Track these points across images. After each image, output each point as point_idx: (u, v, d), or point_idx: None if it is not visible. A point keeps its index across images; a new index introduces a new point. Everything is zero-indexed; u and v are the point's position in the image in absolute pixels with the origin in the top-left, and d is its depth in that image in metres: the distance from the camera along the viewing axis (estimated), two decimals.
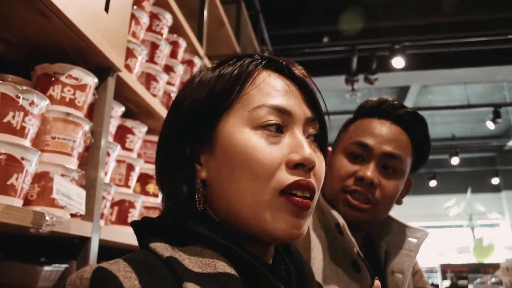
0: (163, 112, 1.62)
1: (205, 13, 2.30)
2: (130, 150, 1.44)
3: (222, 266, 0.53)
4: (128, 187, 1.40)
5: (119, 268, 0.50)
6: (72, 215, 1.00)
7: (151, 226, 0.60)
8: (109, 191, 1.23)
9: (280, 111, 0.59)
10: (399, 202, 1.12)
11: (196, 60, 2.06)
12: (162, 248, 0.54)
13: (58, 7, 0.93)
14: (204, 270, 0.52)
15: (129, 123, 1.44)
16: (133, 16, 1.39)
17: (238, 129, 0.58)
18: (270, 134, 0.58)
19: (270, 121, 0.58)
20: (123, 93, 1.37)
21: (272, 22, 4.97)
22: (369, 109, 1.11)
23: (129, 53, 1.38)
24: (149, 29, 1.60)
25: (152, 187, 1.57)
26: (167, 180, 0.63)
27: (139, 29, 1.45)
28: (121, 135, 1.41)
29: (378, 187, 1.03)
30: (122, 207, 1.35)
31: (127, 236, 1.30)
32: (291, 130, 0.60)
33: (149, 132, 1.57)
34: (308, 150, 0.57)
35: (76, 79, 1.08)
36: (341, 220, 1.01)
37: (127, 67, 1.36)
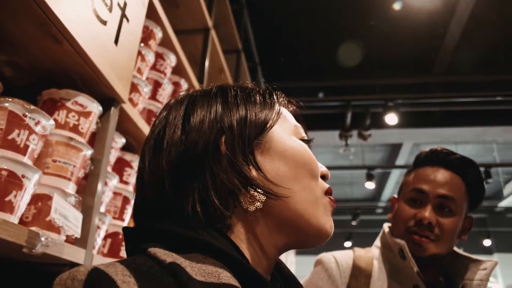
0: None
1: (207, 58, 2.37)
2: (127, 183, 1.44)
3: (227, 278, 0.51)
4: (123, 220, 1.39)
5: (117, 271, 0.46)
6: (66, 241, 0.99)
7: (149, 231, 0.58)
8: (104, 220, 1.22)
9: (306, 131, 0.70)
10: (462, 238, 1.25)
11: None
12: (163, 254, 0.52)
13: (71, 33, 0.97)
14: (207, 279, 0.50)
15: (128, 156, 1.45)
16: (139, 53, 1.44)
17: (288, 136, 0.65)
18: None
19: (305, 137, 0.68)
20: (124, 126, 1.39)
21: (269, 74, 5.12)
22: (423, 159, 1.26)
23: (133, 88, 1.41)
24: (153, 67, 1.65)
25: None
26: (185, 182, 0.60)
27: (144, 66, 1.50)
28: (120, 167, 1.42)
29: (436, 225, 1.17)
30: (115, 240, 1.33)
31: None
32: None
33: None
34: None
35: (82, 105, 1.11)
36: (402, 242, 1.16)
37: (131, 100, 1.39)
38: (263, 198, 0.59)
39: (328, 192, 0.66)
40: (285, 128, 0.66)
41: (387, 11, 4.66)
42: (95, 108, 1.14)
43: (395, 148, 7.72)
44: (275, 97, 0.70)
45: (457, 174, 1.21)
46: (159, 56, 1.68)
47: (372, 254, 1.26)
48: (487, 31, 4.77)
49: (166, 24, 1.70)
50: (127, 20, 1.26)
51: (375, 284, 1.17)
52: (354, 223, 9.04)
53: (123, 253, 1.35)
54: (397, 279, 1.18)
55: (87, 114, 1.12)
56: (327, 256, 1.24)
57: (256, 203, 0.59)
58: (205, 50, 2.36)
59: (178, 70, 1.91)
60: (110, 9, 1.16)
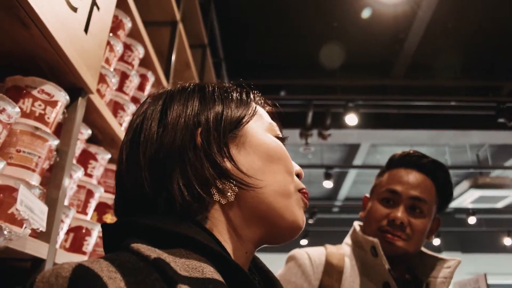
0: None
1: (174, 52, 2.34)
2: (90, 176, 1.40)
3: (210, 272, 0.51)
4: (86, 214, 1.35)
5: (102, 267, 0.45)
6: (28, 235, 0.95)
7: (129, 227, 0.56)
8: (67, 214, 1.18)
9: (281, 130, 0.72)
10: (429, 238, 1.30)
11: None
12: (147, 249, 0.51)
13: (41, 18, 0.93)
14: (191, 274, 0.49)
15: (93, 148, 1.41)
16: (108, 43, 1.40)
17: (263, 132, 0.67)
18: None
19: (280, 135, 0.70)
20: (91, 117, 1.35)
21: (233, 71, 5.11)
22: (397, 161, 1.30)
23: (101, 78, 1.37)
24: (121, 58, 1.61)
25: (109, 217, 1.51)
26: (163, 176, 0.60)
27: (113, 56, 1.46)
28: (84, 160, 1.37)
29: (408, 225, 1.21)
30: (78, 234, 1.29)
31: None
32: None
33: (110, 161, 1.53)
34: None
35: (48, 94, 1.06)
36: (376, 240, 1.19)
37: (98, 91, 1.35)
38: (236, 189, 0.60)
39: (301, 191, 0.67)
40: (260, 124, 0.68)
41: (350, 14, 4.75)
42: (63, 97, 1.10)
43: (353, 148, 7.89)
44: (251, 95, 0.72)
45: (429, 177, 1.26)
46: (127, 47, 1.64)
47: (343, 251, 1.28)
48: (445, 38, 4.96)
49: (136, 14, 1.66)
50: (98, 8, 1.22)
51: (347, 281, 1.20)
52: (311, 221, 9.18)
53: (85, 248, 1.31)
54: (368, 276, 1.21)
55: (54, 104, 1.08)
56: (300, 252, 1.25)
57: (229, 195, 0.60)
58: (172, 44, 2.32)
59: (145, 62, 1.87)
60: None
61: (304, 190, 0.68)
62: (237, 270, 0.54)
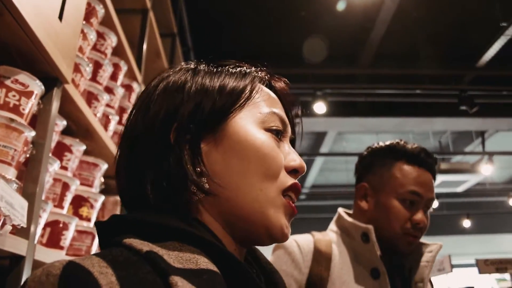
0: (102, 133, 1.56)
1: (145, 41, 2.29)
2: (65, 168, 1.36)
3: (205, 263, 0.50)
4: (62, 207, 1.31)
5: (93, 263, 0.45)
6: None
7: (121, 222, 0.56)
8: (45, 208, 1.14)
9: (283, 122, 0.64)
10: None
11: (135, 85, 2.03)
12: (139, 243, 0.51)
13: (15, 4, 0.88)
14: (185, 266, 0.49)
15: (68, 140, 1.36)
16: (81, 31, 1.35)
17: (250, 126, 0.60)
18: (275, 138, 0.62)
19: (278, 127, 0.63)
20: (66, 108, 1.30)
21: (202, 59, 5.05)
22: (411, 156, 1.30)
23: (75, 68, 1.32)
24: (94, 47, 1.56)
25: (86, 210, 1.47)
26: (144, 171, 0.59)
27: (86, 45, 1.41)
28: (59, 152, 1.33)
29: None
30: (55, 229, 1.25)
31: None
32: (284, 139, 0.65)
33: (85, 153, 1.49)
34: (301, 159, 0.63)
35: (23, 84, 1.02)
36: (370, 227, 1.21)
37: (73, 81, 1.31)
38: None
39: (291, 188, 0.61)
40: (250, 115, 0.61)
41: (319, 3, 4.77)
42: (38, 87, 1.05)
43: (319, 136, 7.98)
44: (254, 77, 0.65)
45: (433, 177, 1.31)
46: (100, 36, 1.59)
47: (329, 238, 1.29)
48: (411, 27, 5.07)
49: (108, 1, 1.61)
50: None
51: (336, 268, 1.22)
52: None
53: (63, 243, 1.27)
54: (357, 262, 1.24)
55: (28, 94, 1.03)
56: (289, 240, 1.26)
57: (200, 195, 0.58)
58: (143, 32, 2.27)
59: (117, 51, 1.82)
60: None
61: (294, 187, 0.61)
62: (233, 260, 0.54)
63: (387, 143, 1.37)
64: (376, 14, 4.76)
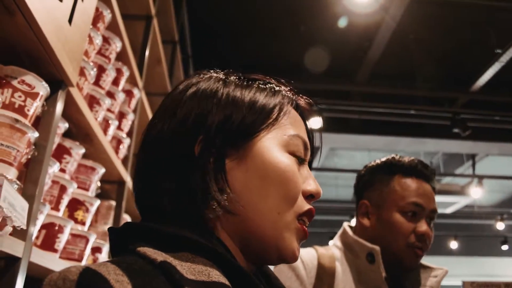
0: (102, 137, 1.56)
1: (148, 47, 2.29)
2: (64, 171, 1.35)
3: (217, 276, 0.51)
4: (58, 210, 1.30)
5: (109, 270, 0.45)
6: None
7: (134, 230, 0.56)
8: (42, 210, 1.14)
9: (305, 146, 0.64)
10: None
11: (136, 91, 2.03)
12: (153, 253, 0.51)
13: (28, 5, 0.88)
14: (197, 278, 0.49)
15: (67, 143, 1.36)
16: (88, 35, 1.36)
17: (275, 148, 0.60)
18: (297, 162, 0.62)
19: (301, 152, 0.63)
20: (68, 111, 1.31)
21: (200, 69, 5.06)
22: (408, 169, 1.29)
23: (80, 72, 1.33)
24: (99, 52, 1.57)
25: (81, 214, 1.47)
26: (164, 181, 0.59)
27: (92, 49, 1.41)
28: (59, 154, 1.32)
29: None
30: (50, 231, 1.24)
31: (54, 263, 1.19)
32: (304, 164, 0.65)
33: (83, 156, 1.49)
34: (318, 185, 0.64)
35: (29, 85, 1.02)
36: (376, 248, 1.19)
37: (77, 85, 1.31)
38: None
39: (307, 213, 0.61)
40: (276, 137, 0.61)
41: (318, 18, 4.82)
42: (43, 89, 1.06)
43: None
44: (284, 97, 0.65)
45: (433, 189, 1.30)
46: (105, 40, 1.59)
47: (332, 253, 1.27)
48: (407, 49, 5.13)
49: (115, 7, 1.62)
50: None
51: (339, 286, 1.19)
52: None
53: (57, 246, 1.26)
54: (359, 282, 1.21)
55: (34, 95, 1.03)
56: None
57: (218, 210, 0.57)
58: (146, 39, 2.28)
59: (120, 56, 1.83)
60: None
61: (309, 212, 0.61)
62: (244, 275, 0.54)
63: (383, 159, 1.36)
64: (375, 33, 4.82)
